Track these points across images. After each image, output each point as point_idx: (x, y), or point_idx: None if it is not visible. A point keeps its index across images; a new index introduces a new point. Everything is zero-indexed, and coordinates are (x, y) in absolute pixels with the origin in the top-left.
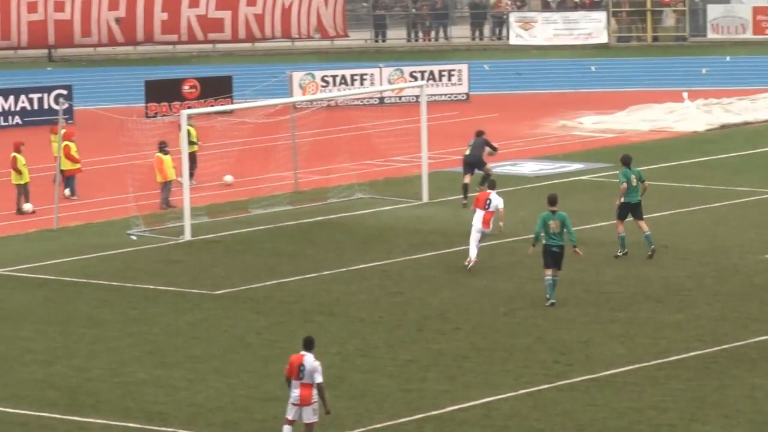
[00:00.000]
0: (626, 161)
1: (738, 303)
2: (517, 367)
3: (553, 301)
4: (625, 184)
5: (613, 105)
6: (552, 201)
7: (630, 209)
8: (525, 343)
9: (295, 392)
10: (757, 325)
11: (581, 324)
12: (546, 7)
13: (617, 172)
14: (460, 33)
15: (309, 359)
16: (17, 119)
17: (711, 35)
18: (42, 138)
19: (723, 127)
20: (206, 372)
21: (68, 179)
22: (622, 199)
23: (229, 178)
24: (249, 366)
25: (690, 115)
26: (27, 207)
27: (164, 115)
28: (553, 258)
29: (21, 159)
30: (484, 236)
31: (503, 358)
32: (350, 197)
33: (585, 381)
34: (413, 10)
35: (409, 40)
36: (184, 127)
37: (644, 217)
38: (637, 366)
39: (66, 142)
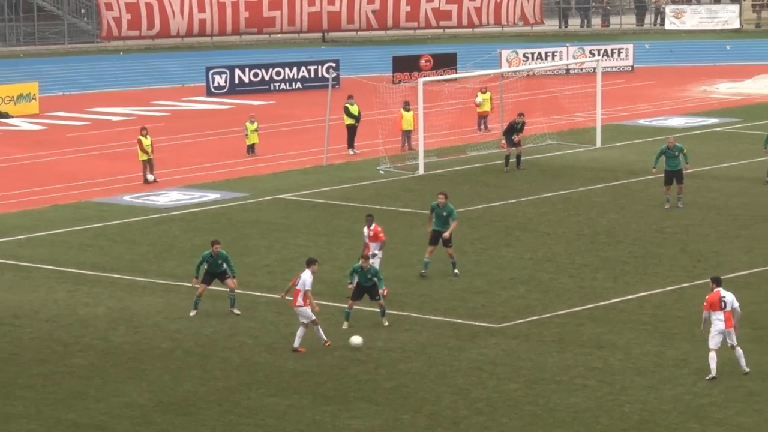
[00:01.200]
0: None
1: None
2: (665, 270)
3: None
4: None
5: (743, 75)
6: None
7: (438, 235)
8: (671, 252)
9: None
10: None
11: (714, 238)
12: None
13: (746, 124)
14: (627, 21)
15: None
16: (298, 84)
17: None
18: (318, 98)
19: None
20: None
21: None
22: (431, 228)
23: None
24: (464, 267)
25: None
26: (150, 177)
27: (406, 82)
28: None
29: (146, 140)
30: None
31: (654, 264)
32: (542, 143)
33: None
34: (593, 4)
35: (582, 26)
36: (420, 90)
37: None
38: (755, 270)
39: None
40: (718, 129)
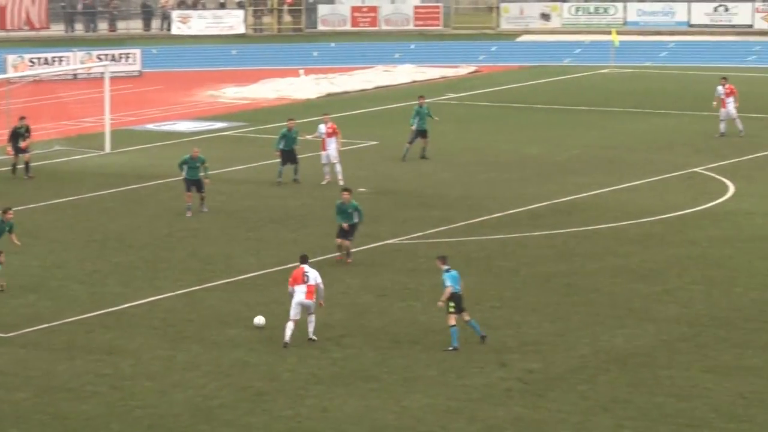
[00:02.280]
0: None
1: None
2: (175, 274)
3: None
4: None
5: (249, 79)
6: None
7: None
8: (181, 256)
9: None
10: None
11: (223, 242)
12: (200, 6)
13: (252, 128)
14: (134, 25)
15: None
16: None
17: (321, 27)
18: None
19: (329, 95)
20: None
21: None
22: None
23: None
24: None
25: (304, 86)
26: None
27: None
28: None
29: None
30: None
31: (164, 268)
32: (50, 149)
33: (226, 283)
34: (100, 8)
35: (87, 32)
36: None
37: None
38: (263, 272)
39: None
40: (225, 133)
